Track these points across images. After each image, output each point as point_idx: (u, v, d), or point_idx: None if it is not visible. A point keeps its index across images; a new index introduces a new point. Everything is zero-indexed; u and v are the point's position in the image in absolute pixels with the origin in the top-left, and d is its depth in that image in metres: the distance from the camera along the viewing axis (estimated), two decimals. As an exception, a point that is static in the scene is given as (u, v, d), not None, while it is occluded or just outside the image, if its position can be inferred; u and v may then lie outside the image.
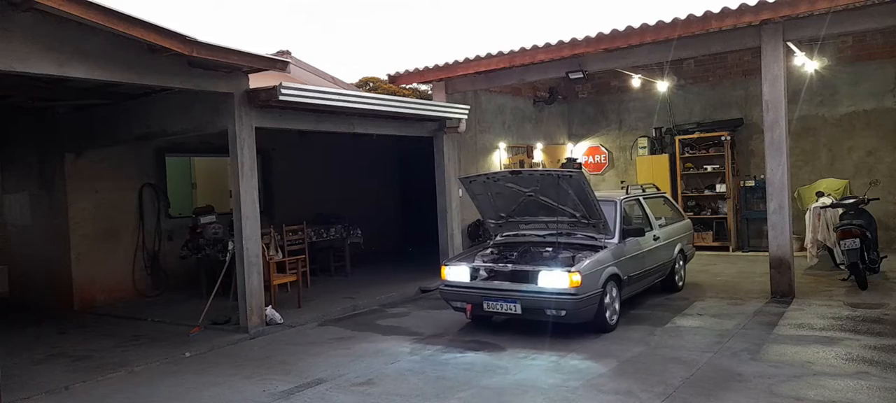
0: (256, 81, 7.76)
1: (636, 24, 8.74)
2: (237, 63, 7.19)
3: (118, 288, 10.15)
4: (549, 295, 6.54)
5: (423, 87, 15.12)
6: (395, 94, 12.57)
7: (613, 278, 6.98)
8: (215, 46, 6.74)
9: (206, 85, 7.25)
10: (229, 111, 7.57)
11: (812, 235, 9.64)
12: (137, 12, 5.99)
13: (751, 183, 12.21)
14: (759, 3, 7.82)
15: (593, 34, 9.10)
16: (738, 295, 8.49)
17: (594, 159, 14.77)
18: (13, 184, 10.96)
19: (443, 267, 7.53)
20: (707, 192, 12.87)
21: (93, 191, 9.98)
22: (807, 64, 11.19)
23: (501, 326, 7.35)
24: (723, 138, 12.47)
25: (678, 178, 12.99)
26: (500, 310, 6.88)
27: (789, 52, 9.26)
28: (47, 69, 5.87)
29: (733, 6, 8.02)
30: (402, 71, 11.26)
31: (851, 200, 9.11)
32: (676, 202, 12.91)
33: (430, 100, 11.54)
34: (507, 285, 6.89)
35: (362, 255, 11.98)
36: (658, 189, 9.73)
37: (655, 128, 13.62)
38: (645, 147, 13.49)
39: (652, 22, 8.59)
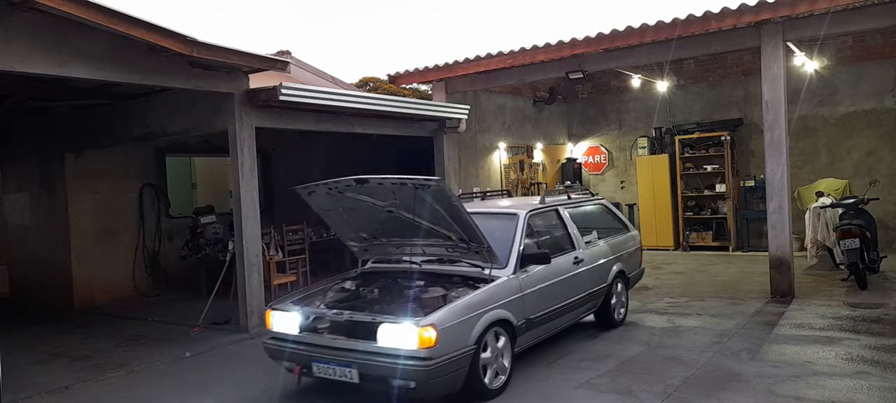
0: (257, 81, 7.76)
1: (636, 24, 8.74)
2: (237, 63, 7.19)
3: (118, 288, 10.15)
4: (393, 360, 4.63)
5: (423, 87, 15.14)
6: (395, 94, 12.58)
7: (501, 324, 5.19)
8: (215, 46, 6.74)
9: (207, 85, 7.26)
10: (229, 111, 7.57)
11: (812, 235, 9.64)
12: (137, 12, 5.99)
13: (750, 183, 12.22)
14: (759, 3, 7.82)
15: (593, 34, 9.10)
16: (737, 295, 8.49)
17: (594, 159, 14.78)
18: (13, 184, 10.97)
19: (267, 312, 5.50)
20: (707, 192, 12.87)
21: (93, 191, 9.99)
22: (807, 64, 11.19)
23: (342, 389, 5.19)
24: (723, 138, 12.47)
25: (678, 178, 13.00)
26: (332, 377, 4.93)
27: (789, 52, 9.27)
28: (47, 69, 5.87)
29: (733, 6, 8.02)
30: (402, 71, 11.26)
31: (851, 200, 9.11)
32: (677, 203, 12.98)
33: (430, 100, 11.55)
34: (341, 341, 4.99)
35: (362, 255, 11.96)
36: (592, 193, 8.22)
37: (655, 128, 13.63)
38: (645, 147, 13.50)
39: (652, 22, 8.59)
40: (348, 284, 5.96)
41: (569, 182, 13.79)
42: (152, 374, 6.29)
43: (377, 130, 9.66)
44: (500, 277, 5.44)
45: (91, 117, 9.22)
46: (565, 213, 6.74)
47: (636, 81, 13.07)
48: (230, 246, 8.26)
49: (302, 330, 5.25)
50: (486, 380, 5.06)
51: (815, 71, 11.63)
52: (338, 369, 4.90)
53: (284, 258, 9.40)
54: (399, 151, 14.73)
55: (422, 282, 5.57)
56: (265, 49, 13.11)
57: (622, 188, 14.31)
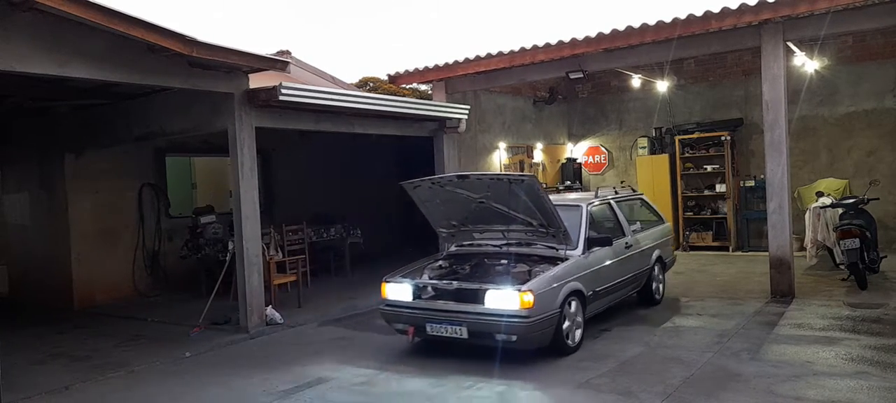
0: (256, 81, 7.76)
1: (636, 24, 8.74)
2: (237, 63, 7.19)
3: (118, 288, 10.15)
4: (498, 318, 5.73)
5: (423, 87, 15.13)
6: (395, 94, 12.59)
7: (575, 294, 6.24)
8: (215, 46, 6.74)
9: (206, 85, 7.25)
10: (229, 111, 7.57)
11: (812, 235, 9.63)
12: (137, 12, 5.99)
13: (751, 183, 12.21)
14: (759, 3, 7.82)
15: (593, 34, 9.09)
16: (737, 295, 8.48)
17: (594, 159, 14.77)
18: (13, 184, 10.97)
19: (383, 284, 6.59)
20: (707, 192, 12.86)
21: (93, 191, 9.99)
22: (807, 64, 11.19)
23: (450, 347, 6.31)
24: (723, 138, 12.47)
25: (678, 178, 12.99)
26: (444, 334, 6.05)
27: (789, 52, 9.26)
28: (47, 69, 5.87)
29: (733, 6, 8.02)
30: (402, 71, 11.25)
31: (851, 200, 9.11)
32: (677, 203, 12.98)
33: (430, 100, 11.54)
34: (452, 305, 6.08)
35: (362, 255, 11.97)
36: (634, 190, 9.16)
37: (655, 128, 13.62)
38: (645, 147, 13.49)
39: (652, 22, 8.59)
40: (442, 263, 6.99)
41: (569, 182, 13.80)
42: (152, 374, 6.29)
43: (377, 130, 9.65)
44: (572, 256, 6.48)
45: (91, 117, 9.22)
46: (616, 206, 7.77)
47: (636, 81, 13.07)
48: (230, 246, 8.26)
49: (414, 297, 6.33)
50: (566, 339, 6.13)
51: (816, 71, 11.63)
52: (449, 328, 6.00)
53: (284, 258, 9.40)
54: (399, 151, 14.75)
55: (506, 261, 6.65)
56: (265, 49, 13.12)
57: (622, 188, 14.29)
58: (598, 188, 8.28)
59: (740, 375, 5.34)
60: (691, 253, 12.61)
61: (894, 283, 8.65)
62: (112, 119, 8.95)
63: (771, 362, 5.63)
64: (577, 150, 14.93)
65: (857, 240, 8.20)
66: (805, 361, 5.60)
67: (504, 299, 5.75)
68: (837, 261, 9.36)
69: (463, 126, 10.82)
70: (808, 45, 10.59)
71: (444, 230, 7.19)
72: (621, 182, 14.31)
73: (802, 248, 10.15)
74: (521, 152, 13.21)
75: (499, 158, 12.70)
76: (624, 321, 7.33)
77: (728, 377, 5.32)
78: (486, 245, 7.07)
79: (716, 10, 8.13)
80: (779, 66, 8.11)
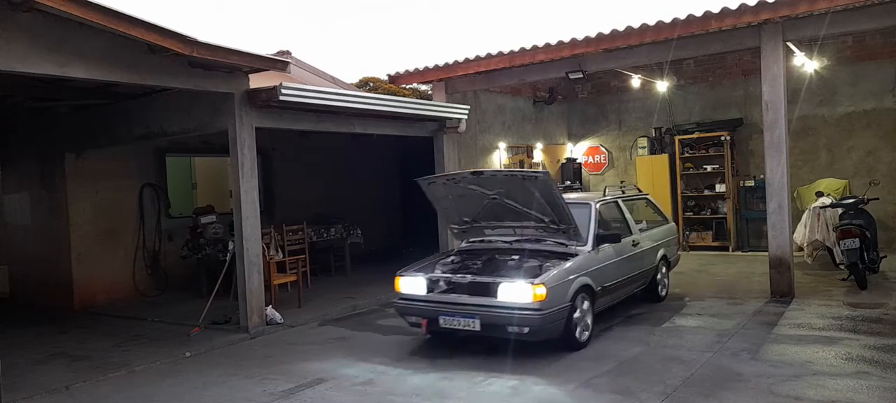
0: (257, 81, 7.76)
1: (636, 24, 8.74)
2: (237, 63, 7.19)
3: (118, 288, 10.16)
4: (510, 311, 5.86)
5: (423, 87, 15.15)
6: (395, 94, 12.59)
7: (585, 289, 6.35)
8: (215, 46, 6.74)
9: (207, 85, 7.26)
10: (229, 111, 7.57)
11: (809, 236, 9.60)
12: (137, 12, 6.00)
13: (750, 183, 12.21)
14: (758, 3, 7.82)
15: (593, 34, 9.10)
16: (737, 295, 8.49)
17: (594, 159, 14.78)
18: (13, 183, 10.97)
19: (397, 278, 6.73)
20: (707, 192, 12.87)
21: (93, 191, 9.99)
22: (807, 64, 11.19)
23: (455, 346, 6.54)
24: (722, 138, 12.47)
25: (678, 178, 13.00)
26: (457, 327, 6.14)
27: (789, 52, 9.27)
28: (48, 69, 5.87)
29: (733, 6, 8.02)
30: (402, 71, 11.26)
31: (851, 200, 9.10)
32: (677, 203, 12.98)
33: (430, 100, 11.55)
34: (465, 298, 6.18)
35: (362, 255, 11.98)
36: (640, 190, 9.29)
37: (655, 128, 13.63)
38: (645, 147, 13.50)
39: (652, 22, 8.59)
40: (454, 258, 7.11)
41: (569, 182, 13.79)
42: (152, 374, 6.29)
43: (377, 130, 9.66)
44: (581, 252, 6.59)
45: (91, 117, 9.22)
46: (623, 204, 7.92)
47: (636, 81, 13.07)
48: (230, 246, 8.26)
49: (429, 290, 6.45)
50: (576, 333, 6.23)
51: (815, 71, 11.63)
52: (462, 320, 6.07)
53: (284, 258, 9.40)
54: (399, 151, 14.77)
55: (516, 256, 6.74)
56: (265, 49, 13.14)
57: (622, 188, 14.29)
58: (606, 187, 8.45)
59: (740, 375, 5.34)
60: (691, 253, 12.62)
61: (894, 283, 8.65)
62: (112, 119, 8.95)
63: (771, 362, 5.64)
64: (577, 150, 14.94)
65: (856, 240, 8.20)
66: (805, 361, 5.60)
67: (517, 292, 5.87)
68: (837, 261, 9.37)
69: (463, 126, 10.83)
70: (807, 45, 10.60)
71: (457, 226, 7.31)
72: (621, 182, 14.36)
73: (800, 249, 10.15)
74: (521, 152, 13.21)
75: (499, 158, 12.71)
76: (624, 320, 7.34)
77: (728, 377, 5.32)
78: (497, 241, 7.14)
79: (716, 10, 8.14)
80: (778, 66, 8.12)
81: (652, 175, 13.16)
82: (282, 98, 7.38)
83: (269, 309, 7.98)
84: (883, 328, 6.52)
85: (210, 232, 9.95)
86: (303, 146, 12.38)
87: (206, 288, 9.38)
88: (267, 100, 7.51)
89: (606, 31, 8.99)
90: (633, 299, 7.94)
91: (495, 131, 12.69)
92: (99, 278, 9.98)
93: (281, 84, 7.41)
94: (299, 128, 8.81)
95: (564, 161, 14.43)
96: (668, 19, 8.46)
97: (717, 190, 12.65)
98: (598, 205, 7.22)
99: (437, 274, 6.68)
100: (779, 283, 8.21)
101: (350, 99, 8.69)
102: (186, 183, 12.18)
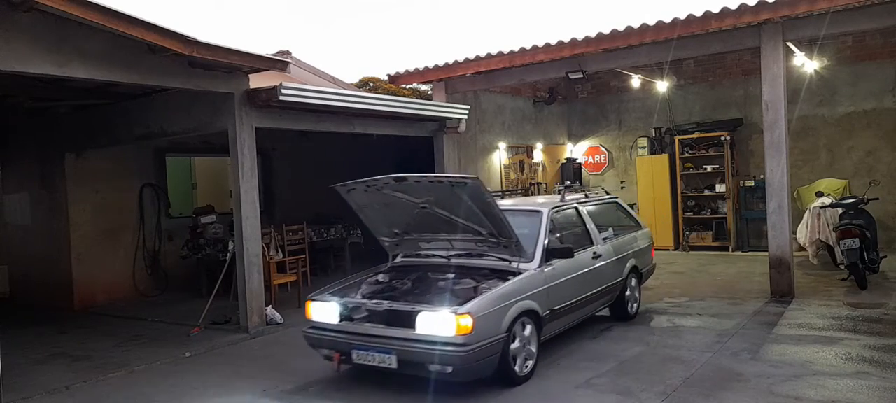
0: (257, 81, 7.76)
1: (636, 24, 8.74)
2: (237, 63, 7.19)
3: (118, 288, 10.16)
4: (431, 347, 4.87)
5: (423, 87, 15.14)
6: (395, 94, 12.59)
7: (528, 315, 5.42)
8: (215, 46, 6.75)
9: (207, 85, 7.26)
10: (229, 111, 7.57)
11: (811, 235, 9.60)
12: (137, 12, 6.00)
13: (750, 183, 12.21)
14: (758, 3, 7.82)
15: (593, 34, 9.10)
16: (737, 295, 8.49)
17: (594, 159, 14.78)
18: (13, 183, 10.97)
19: (307, 303, 5.76)
20: (707, 192, 12.86)
21: (93, 191, 9.99)
22: (807, 64, 11.19)
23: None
24: (722, 138, 12.47)
25: (678, 178, 13.00)
26: (372, 363, 5.18)
27: (789, 52, 9.27)
28: (48, 69, 5.87)
29: (733, 6, 8.02)
30: (402, 71, 11.26)
31: (851, 200, 9.10)
32: (677, 203, 12.98)
33: (430, 100, 11.55)
34: (381, 329, 5.22)
35: (362, 255, 11.97)
36: (607, 192, 8.60)
37: (655, 128, 13.63)
38: (645, 147, 13.49)
39: (652, 22, 8.59)
40: (381, 277, 6.20)
41: (568, 182, 13.79)
42: (152, 374, 6.29)
43: (377, 130, 9.66)
44: (526, 270, 5.67)
45: (91, 117, 9.23)
46: (584, 211, 7.00)
47: (636, 81, 13.07)
48: (230, 246, 8.26)
49: (342, 319, 5.49)
50: (516, 368, 5.30)
51: (815, 71, 11.63)
52: (377, 355, 5.14)
53: (284, 258, 9.40)
54: (399, 151, 14.74)
55: (452, 275, 5.83)
56: (265, 49, 13.13)
57: (622, 188, 14.30)
58: (563, 190, 7.40)
59: (740, 375, 5.34)
60: (691, 253, 12.62)
61: (894, 283, 8.65)
62: (112, 119, 8.95)
63: (771, 362, 5.64)
64: (577, 150, 14.94)
65: (857, 240, 8.20)
66: (805, 361, 5.60)
67: (438, 323, 4.90)
68: (837, 261, 9.37)
69: (463, 126, 10.83)
70: (807, 45, 10.60)
71: (387, 239, 6.37)
72: (621, 183, 14.37)
73: (802, 248, 10.16)
74: (521, 152, 13.22)
75: (499, 158, 12.71)
76: (624, 320, 7.32)
77: (728, 377, 5.32)
78: (435, 256, 6.25)
79: (716, 10, 8.13)
80: (778, 66, 8.12)
81: (652, 175, 13.17)
82: (282, 98, 7.38)
83: (269, 309, 7.98)
84: (883, 328, 6.52)
85: (210, 232, 9.95)
86: (303, 146, 12.37)
87: (206, 288, 9.38)
88: (267, 100, 7.51)
89: (606, 31, 8.99)
90: (583, 325, 6.87)
91: (495, 131, 12.69)
92: (99, 278, 9.98)
93: (281, 84, 7.41)
94: (299, 128, 8.81)
95: (564, 161, 14.43)
96: (668, 19, 8.46)
97: (717, 190, 12.65)
98: (551, 212, 6.30)
99: (356, 298, 5.69)
100: (779, 283, 8.21)
101: (350, 99, 8.69)
102: (186, 183, 12.18)
